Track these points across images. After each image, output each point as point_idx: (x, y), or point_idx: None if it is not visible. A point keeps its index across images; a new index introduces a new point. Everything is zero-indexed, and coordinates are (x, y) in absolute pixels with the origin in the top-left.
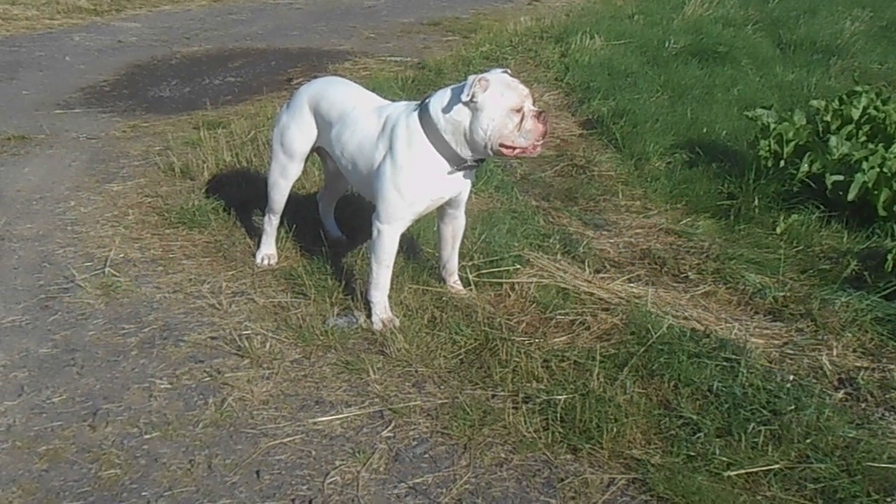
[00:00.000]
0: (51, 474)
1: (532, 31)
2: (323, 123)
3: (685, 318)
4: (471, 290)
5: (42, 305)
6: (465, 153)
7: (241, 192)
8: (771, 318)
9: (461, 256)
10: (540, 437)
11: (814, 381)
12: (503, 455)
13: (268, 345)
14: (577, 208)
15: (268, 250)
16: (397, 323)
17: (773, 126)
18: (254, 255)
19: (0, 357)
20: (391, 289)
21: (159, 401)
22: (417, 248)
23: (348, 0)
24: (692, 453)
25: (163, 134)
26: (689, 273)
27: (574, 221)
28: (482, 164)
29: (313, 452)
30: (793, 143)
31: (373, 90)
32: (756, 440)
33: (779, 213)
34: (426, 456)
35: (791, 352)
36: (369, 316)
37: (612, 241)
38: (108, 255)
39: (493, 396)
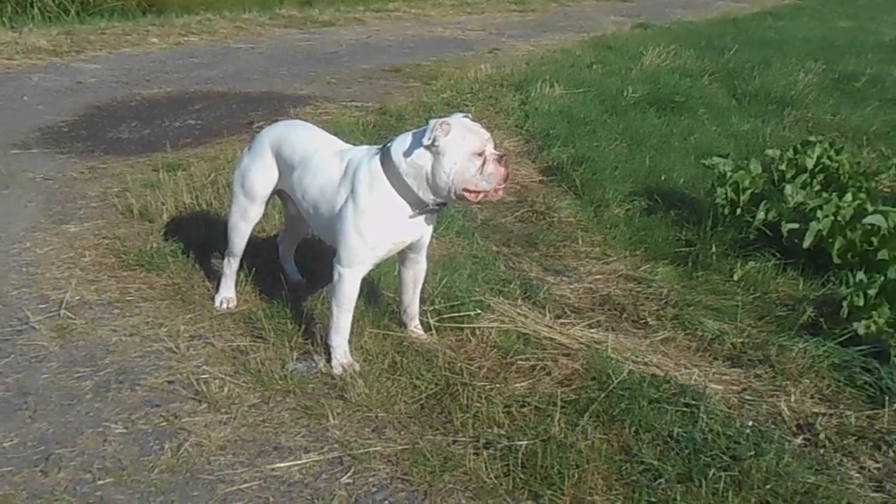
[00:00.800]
0: None
1: (492, 79)
2: (284, 166)
3: (645, 364)
4: (432, 334)
5: None
6: (428, 197)
7: (200, 235)
8: (729, 364)
9: (422, 301)
10: (501, 484)
11: (773, 426)
12: (464, 502)
13: (226, 389)
14: (537, 254)
15: (227, 293)
16: (357, 367)
17: (729, 174)
18: (212, 299)
19: None
20: (351, 333)
21: (114, 446)
22: (378, 293)
23: (309, 46)
24: (653, 500)
25: (121, 175)
26: (649, 319)
27: (534, 267)
28: (444, 207)
29: (271, 499)
30: (749, 192)
31: (335, 135)
32: (717, 486)
33: (736, 259)
34: (386, 503)
35: (750, 398)
36: (329, 360)
37: (572, 286)
38: (64, 297)
39: (454, 442)
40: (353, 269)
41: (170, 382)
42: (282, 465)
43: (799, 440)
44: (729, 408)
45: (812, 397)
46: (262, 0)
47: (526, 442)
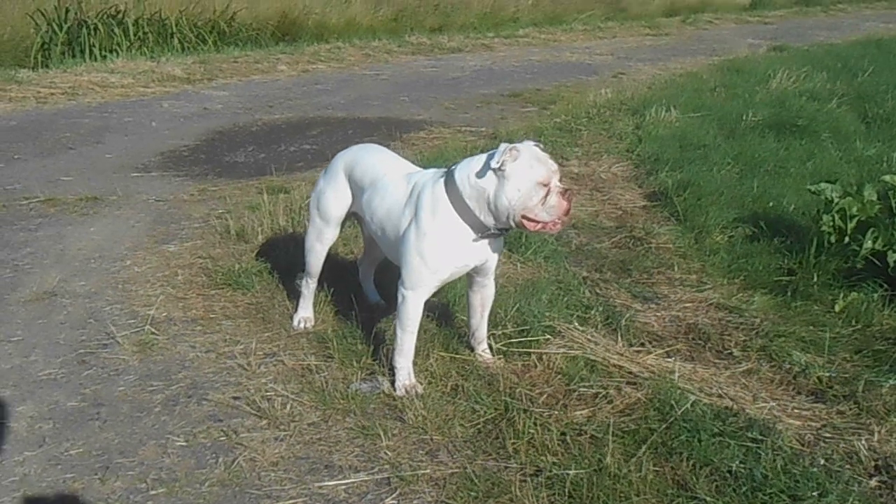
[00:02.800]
0: None
1: (611, 103)
2: (357, 189)
3: (718, 396)
4: (499, 359)
5: (79, 360)
6: (489, 221)
7: (289, 256)
8: (812, 399)
9: (493, 325)
10: None
11: (847, 466)
12: None
13: (288, 406)
14: (629, 280)
15: (305, 313)
16: (420, 390)
17: (836, 201)
18: (292, 318)
19: (30, 408)
20: (418, 355)
21: (172, 458)
22: (451, 316)
23: (433, 72)
24: None
25: (229, 198)
26: (734, 350)
27: (622, 294)
28: (506, 233)
29: None
30: (856, 219)
31: (444, 159)
32: None
33: (838, 290)
34: None
35: (828, 435)
36: (393, 382)
37: (658, 314)
38: (151, 314)
39: (505, 468)
40: (415, 291)
41: (235, 398)
42: (330, 483)
43: (874, 482)
44: (802, 445)
45: None
46: (394, 28)
47: (576, 471)
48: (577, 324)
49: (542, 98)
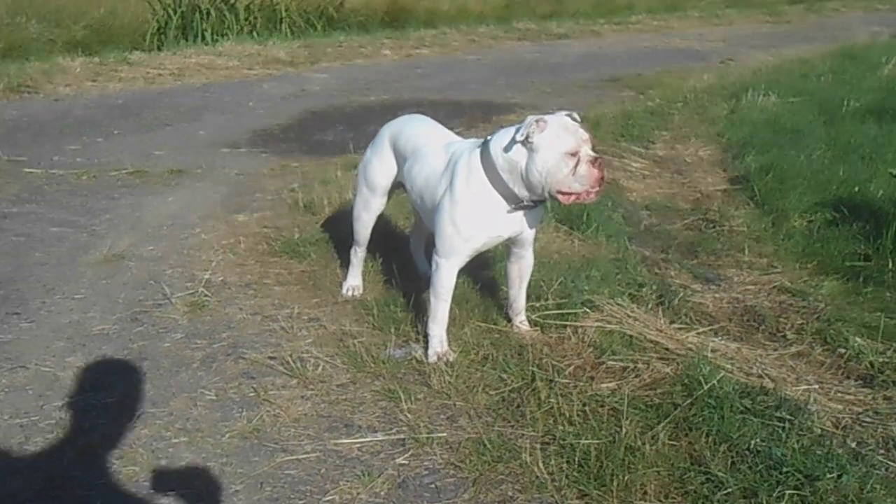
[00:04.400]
0: (77, 466)
1: (711, 89)
2: (400, 158)
3: (758, 376)
4: (536, 330)
5: (133, 318)
6: (522, 193)
7: (349, 228)
8: (860, 384)
9: (535, 297)
10: (553, 480)
11: (880, 451)
12: (510, 493)
13: (320, 368)
14: (694, 262)
15: (354, 281)
16: (451, 357)
17: None
18: (341, 286)
19: (78, 359)
20: (454, 325)
21: (200, 410)
22: (494, 287)
23: (536, 57)
24: None
25: (307, 173)
26: (787, 332)
27: (683, 274)
28: (541, 205)
29: (322, 471)
30: None
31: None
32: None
33: None
34: (432, 486)
35: (868, 420)
36: (426, 349)
37: (716, 295)
38: (207, 277)
39: (521, 436)
40: (448, 259)
41: (271, 358)
42: (346, 441)
43: None
44: (836, 427)
45: None
46: (505, 15)
47: (590, 441)
48: (627, 301)
49: (642, 83)
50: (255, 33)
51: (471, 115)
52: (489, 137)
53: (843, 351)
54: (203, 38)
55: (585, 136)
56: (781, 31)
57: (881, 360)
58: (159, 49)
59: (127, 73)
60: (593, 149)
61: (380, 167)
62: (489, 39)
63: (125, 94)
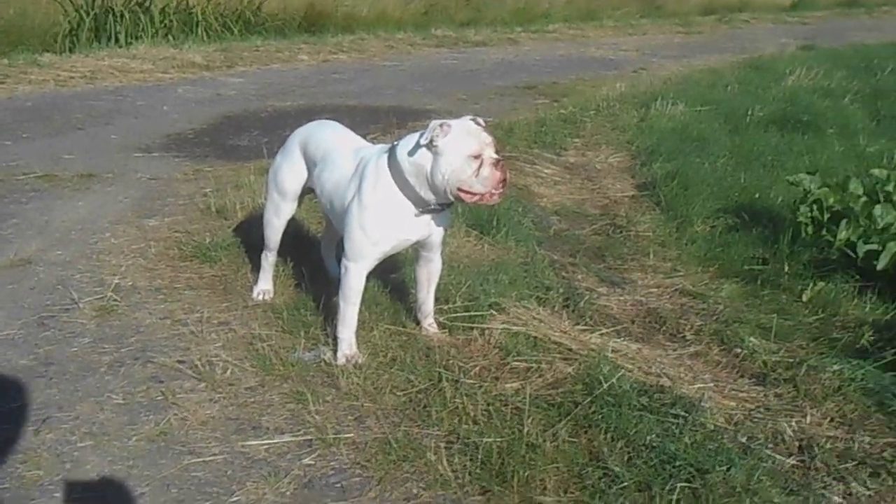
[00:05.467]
0: None
1: (622, 97)
2: (310, 164)
3: (657, 375)
4: (444, 333)
5: (39, 322)
6: (429, 196)
7: (261, 232)
8: (754, 382)
9: (444, 300)
10: (456, 477)
11: (769, 445)
12: (414, 491)
13: (228, 371)
14: (601, 266)
15: (264, 286)
16: (360, 360)
17: (813, 192)
18: (252, 290)
19: None
20: (364, 328)
21: (107, 414)
22: (403, 291)
23: (453, 64)
24: None
25: (221, 178)
26: (687, 333)
27: (589, 278)
28: (448, 208)
29: (229, 472)
30: (833, 211)
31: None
32: (672, 496)
33: (810, 280)
34: (337, 486)
35: (759, 416)
36: (336, 352)
37: (620, 298)
38: (117, 282)
39: (427, 436)
40: (357, 263)
41: (180, 362)
42: (253, 442)
43: (791, 461)
44: (728, 423)
45: (832, 420)
46: (424, 22)
47: (493, 439)
48: (534, 303)
49: (557, 91)
50: (170, 36)
51: (387, 120)
52: (396, 143)
53: (738, 351)
54: (117, 40)
55: (488, 139)
56: (693, 42)
57: (774, 359)
58: (71, 51)
59: (37, 75)
60: (496, 152)
61: (290, 172)
62: (407, 46)
63: (35, 97)
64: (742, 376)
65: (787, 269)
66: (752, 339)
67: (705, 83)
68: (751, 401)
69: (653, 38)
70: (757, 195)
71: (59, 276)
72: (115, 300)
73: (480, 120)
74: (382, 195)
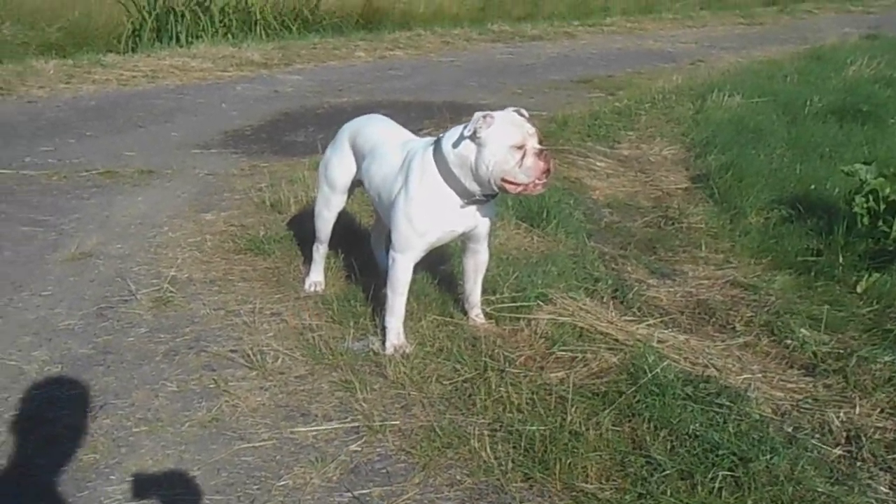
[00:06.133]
0: (40, 454)
1: (679, 90)
2: (359, 157)
3: (704, 366)
4: (491, 323)
5: (98, 313)
6: (473, 187)
7: (312, 225)
8: (803, 373)
9: (491, 291)
10: (500, 464)
11: (815, 435)
12: (458, 477)
13: (279, 360)
14: (652, 258)
15: (316, 277)
16: (408, 350)
17: (869, 182)
18: (303, 281)
19: (44, 353)
20: (412, 318)
21: (161, 401)
22: (451, 282)
23: (509, 59)
24: (646, 492)
25: (276, 173)
26: (737, 324)
27: (639, 269)
28: (493, 199)
29: (277, 458)
30: (890, 201)
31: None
32: (714, 485)
33: (865, 272)
34: (383, 471)
35: (807, 406)
36: (384, 342)
37: (670, 289)
38: (173, 274)
39: (472, 423)
40: (404, 254)
41: (232, 351)
42: (302, 429)
43: (838, 451)
44: (777, 414)
45: (881, 411)
46: (480, 17)
47: (537, 427)
48: (581, 294)
49: (612, 84)
50: (229, 35)
51: (441, 115)
52: (441, 135)
53: (788, 342)
54: (178, 40)
55: (532, 130)
56: (753, 33)
57: (824, 349)
58: (133, 51)
59: (100, 74)
60: (540, 142)
61: (339, 166)
62: (463, 41)
63: (98, 96)
64: (791, 367)
65: (841, 260)
66: (802, 330)
67: (764, 74)
68: (799, 391)
69: (712, 30)
70: (813, 186)
71: (118, 268)
72: (171, 292)
73: (524, 111)
74: (428, 187)
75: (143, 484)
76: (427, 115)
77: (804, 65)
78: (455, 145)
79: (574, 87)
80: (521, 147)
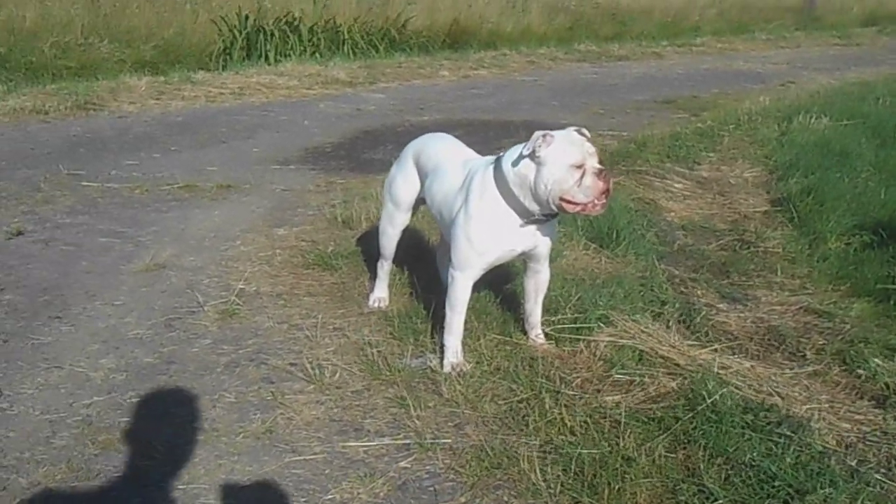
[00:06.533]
0: (97, 459)
1: (766, 111)
2: (422, 175)
3: (769, 394)
4: (551, 343)
5: (167, 324)
6: (533, 207)
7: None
8: (873, 404)
9: (553, 311)
10: (548, 487)
11: (881, 470)
12: (505, 498)
13: (337, 375)
14: (725, 282)
15: (380, 293)
16: (466, 368)
17: None
18: (368, 297)
19: (110, 361)
20: (471, 336)
21: (219, 411)
22: (513, 302)
23: (593, 79)
24: None
25: (350, 190)
26: (807, 352)
27: (710, 293)
28: (552, 219)
29: (327, 471)
30: None
31: None
32: None
33: None
34: (430, 489)
35: (874, 439)
36: (442, 359)
37: (741, 315)
38: (241, 287)
39: (524, 444)
40: (463, 272)
41: (292, 364)
42: (353, 444)
43: None
44: (841, 446)
45: None
46: (568, 37)
47: (589, 451)
48: (646, 317)
49: (697, 105)
50: (317, 54)
51: (518, 135)
52: (502, 154)
53: (860, 372)
54: (266, 58)
55: (592, 149)
56: (849, 54)
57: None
58: (224, 69)
59: (190, 91)
60: (600, 162)
61: (403, 184)
62: (548, 61)
63: (186, 112)
64: (861, 398)
65: None
66: (876, 359)
67: (856, 96)
68: (867, 423)
69: (806, 51)
70: None
71: (189, 280)
72: (238, 304)
73: (585, 130)
74: (488, 206)
75: (192, 493)
76: (505, 135)
77: None
78: (514, 164)
79: (657, 108)
80: (580, 166)
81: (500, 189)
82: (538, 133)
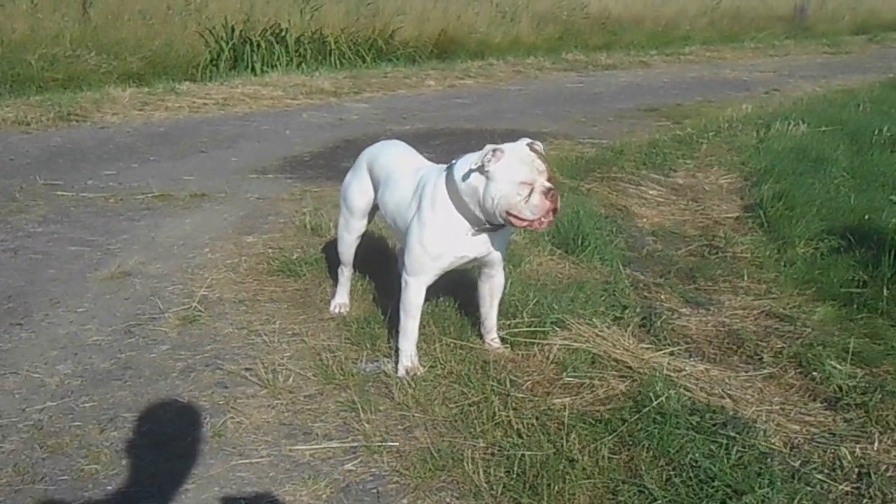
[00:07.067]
0: (44, 462)
1: (748, 118)
2: (376, 182)
3: (718, 396)
4: (507, 347)
5: (126, 330)
6: (483, 217)
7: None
8: (824, 406)
9: (510, 316)
10: (490, 489)
11: (824, 471)
12: (448, 499)
13: (290, 379)
14: (691, 287)
15: (341, 299)
16: (420, 372)
17: None
18: (329, 303)
19: (68, 367)
20: (426, 341)
21: (170, 416)
22: (468, 307)
23: (578, 88)
24: None
25: (324, 197)
26: (765, 355)
27: (673, 298)
28: (503, 228)
29: (271, 474)
30: None
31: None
32: None
33: None
34: (373, 491)
35: (822, 441)
36: (397, 364)
37: (702, 319)
38: (204, 294)
39: (469, 447)
40: (417, 278)
41: (247, 370)
42: (301, 447)
43: (844, 487)
44: (787, 447)
45: None
46: (557, 46)
47: (533, 452)
48: (602, 321)
49: (679, 113)
50: (303, 65)
51: (501, 143)
52: (454, 162)
53: (816, 374)
54: (252, 69)
55: (542, 167)
56: (837, 62)
57: (850, 383)
58: (211, 80)
59: (173, 102)
60: (549, 180)
61: (358, 190)
62: (535, 70)
63: (168, 123)
64: (814, 400)
65: (886, 292)
66: (832, 362)
67: (838, 103)
68: (817, 425)
69: (794, 59)
70: (867, 217)
71: (153, 287)
72: (199, 311)
73: (538, 145)
74: (440, 213)
75: (134, 496)
76: (487, 143)
77: (879, 94)
78: (465, 177)
79: (640, 116)
80: (529, 184)
81: (452, 198)
82: (489, 147)
